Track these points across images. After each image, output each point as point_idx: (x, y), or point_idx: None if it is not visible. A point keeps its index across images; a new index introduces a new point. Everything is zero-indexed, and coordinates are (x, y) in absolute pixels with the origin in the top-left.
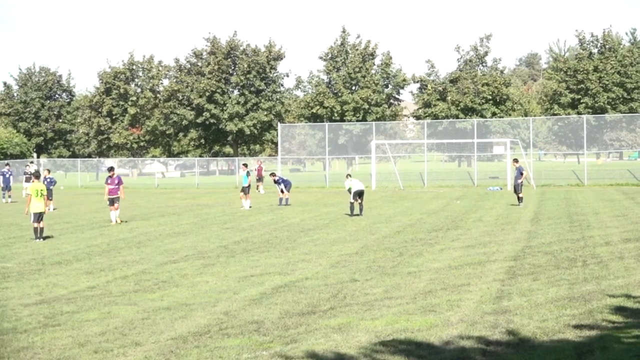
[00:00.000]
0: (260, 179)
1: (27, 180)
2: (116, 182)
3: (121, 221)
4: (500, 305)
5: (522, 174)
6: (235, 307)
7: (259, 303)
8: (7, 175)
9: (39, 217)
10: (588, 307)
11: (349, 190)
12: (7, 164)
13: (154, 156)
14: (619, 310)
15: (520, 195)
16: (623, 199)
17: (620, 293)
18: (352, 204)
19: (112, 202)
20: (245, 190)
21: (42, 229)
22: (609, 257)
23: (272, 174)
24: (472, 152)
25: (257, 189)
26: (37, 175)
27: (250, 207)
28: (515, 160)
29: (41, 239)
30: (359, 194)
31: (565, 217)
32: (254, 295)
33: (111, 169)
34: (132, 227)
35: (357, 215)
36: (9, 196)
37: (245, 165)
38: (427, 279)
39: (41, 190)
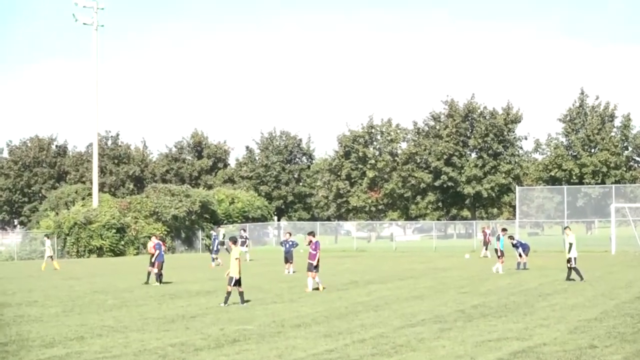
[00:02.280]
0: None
1: (242, 244)
2: (313, 247)
3: (323, 288)
4: None
5: None
6: None
7: None
8: (214, 239)
9: (238, 281)
10: None
11: (570, 246)
12: (211, 229)
13: (392, 219)
14: None
15: None
16: None
17: None
18: (569, 268)
19: (310, 267)
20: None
21: (242, 293)
22: None
23: (511, 237)
24: None
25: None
26: (235, 240)
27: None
28: None
29: (244, 304)
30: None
31: None
32: None
33: (310, 233)
34: (370, 291)
35: (573, 280)
36: (216, 258)
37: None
38: None
39: (241, 253)
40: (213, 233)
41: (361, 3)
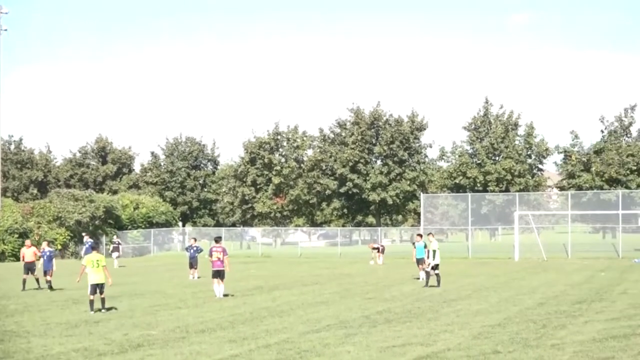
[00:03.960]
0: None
1: (114, 250)
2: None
3: (224, 296)
4: None
5: None
6: None
7: None
8: (87, 245)
9: (96, 288)
10: None
11: (434, 253)
12: (86, 234)
13: (297, 225)
14: None
15: None
16: None
17: None
18: (428, 273)
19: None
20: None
21: (103, 300)
22: None
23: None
24: (616, 223)
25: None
26: (94, 246)
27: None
28: None
29: (104, 310)
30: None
31: None
32: None
33: (217, 239)
34: (275, 296)
35: (434, 286)
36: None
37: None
38: (570, 351)
39: (98, 260)
40: (87, 239)
41: (267, 8)
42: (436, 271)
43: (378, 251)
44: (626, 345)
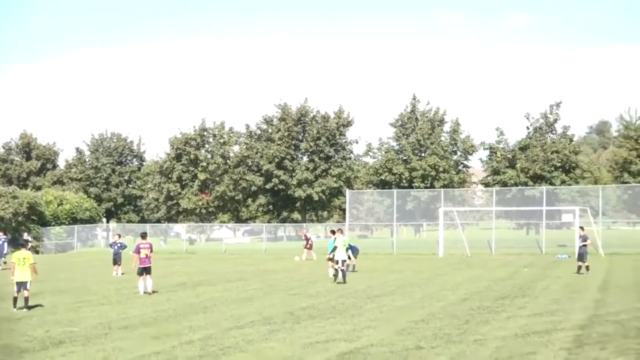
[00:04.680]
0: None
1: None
2: (137, 250)
3: (152, 292)
4: None
5: (585, 242)
6: None
7: None
8: (2, 242)
9: (21, 286)
10: None
11: (334, 249)
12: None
13: (222, 222)
14: None
15: (586, 264)
16: None
17: None
18: (342, 270)
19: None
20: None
21: (27, 298)
22: None
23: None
24: (540, 219)
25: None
26: (22, 243)
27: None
28: (581, 228)
29: (26, 309)
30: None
31: (634, 285)
32: None
33: (144, 235)
34: (198, 293)
35: (341, 283)
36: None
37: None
38: (493, 347)
39: (24, 258)
40: (2, 236)
41: (192, 7)
42: (339, 266)
43: (307, 244)
44: (548, 341)
